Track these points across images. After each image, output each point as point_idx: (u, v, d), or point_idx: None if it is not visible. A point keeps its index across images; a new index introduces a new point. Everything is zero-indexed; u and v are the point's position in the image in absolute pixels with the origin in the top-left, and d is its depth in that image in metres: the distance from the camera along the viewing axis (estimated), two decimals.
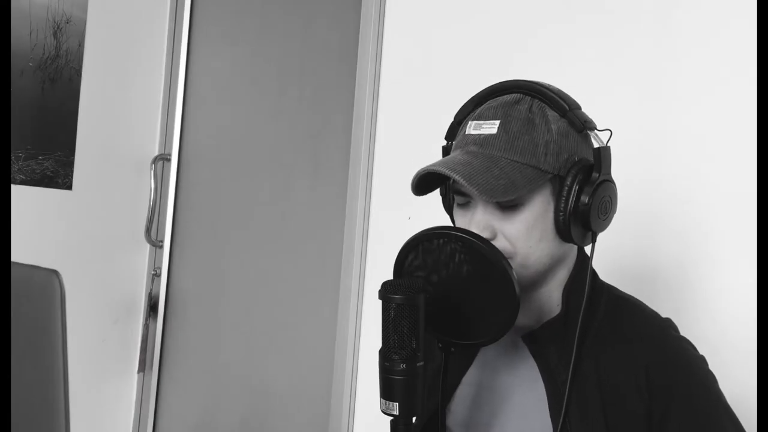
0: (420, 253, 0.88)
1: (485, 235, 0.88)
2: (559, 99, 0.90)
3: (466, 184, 0.84)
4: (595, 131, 0.92)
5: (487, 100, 0.95)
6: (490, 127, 0.90)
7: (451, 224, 0.99)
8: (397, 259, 0.90)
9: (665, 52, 1.39)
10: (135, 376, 2.50)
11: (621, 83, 1.45)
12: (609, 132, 0.92)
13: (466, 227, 0.91)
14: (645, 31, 1.42)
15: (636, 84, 1.43)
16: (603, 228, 0.92)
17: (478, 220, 0.90)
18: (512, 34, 1.66)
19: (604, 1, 1.50)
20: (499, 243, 0.89)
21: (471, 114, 0.95)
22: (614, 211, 0.93)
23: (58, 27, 2.24)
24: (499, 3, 1.70)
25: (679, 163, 1.36)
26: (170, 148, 2.44)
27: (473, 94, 0.99)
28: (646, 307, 0.96)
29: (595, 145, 0.91)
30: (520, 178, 0.86)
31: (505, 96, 0.93)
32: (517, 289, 0.83)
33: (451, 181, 0.97)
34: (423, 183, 0.92)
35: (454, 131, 0.99)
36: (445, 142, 1.01)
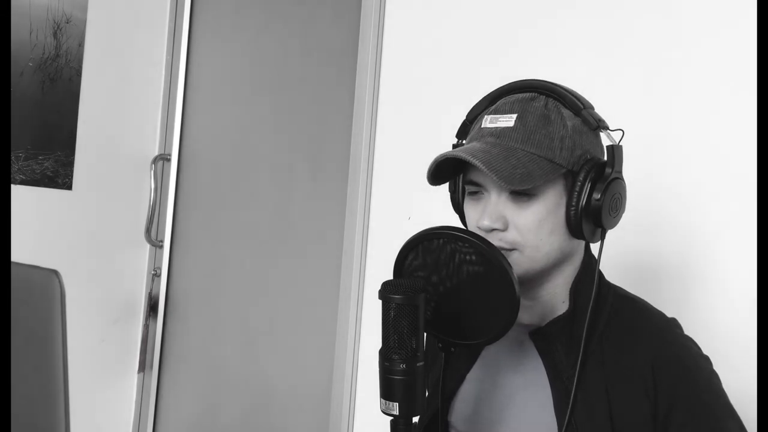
0: (420, 253, 0.88)
1: (497, 225, 0.89)
2: (573, 98, 0.92)
3: (485, 170, 0.84)
4: (608, 131, 0.92)
5: (500, 99, 0.96)
6: (507, 120, 0.91)
7: (453, 222, 0.99)
8: (397, 259, 0.90)
9: (667, 51, 1.39)
10: (135, 376, 2.51)
11: (623, 82, 1.45)
12: (621, 132, 0.93)
13: (478, 218, 0.91)
14: (648, 30, 1.42)
15: (638, 83, 1.43)
16: (613, 225, 0.93)
17: (490, 210, 0.90)
18: (513, 34, 1.66)
19: (607, 2, 1.50)
20: (510, 234, 0.90)
21: (485, 111, 0.96)
22: (624, 210, 0.94)
23: (58, 27, 2.24)
24: (499, 3, 1.70)
25: (680, 162, 1.36)
26: (170, 148, 2.44)
27: (473, 94, 0.99)
28: (652, 307, 0.97)
29: (607, 143, 0.92)
30: (536, 169, 0.87)
31: (519, 94, 0.94)
32: (517, 290, 0.83)
33: (461, 177, 0.97)
34: (438, 172, 0.93)
35: (466, 129, 1.00)
36: (455, 140, 1.01)
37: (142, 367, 2.47)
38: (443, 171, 0.93)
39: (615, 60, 1.47)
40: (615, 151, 0.90)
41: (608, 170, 0.90)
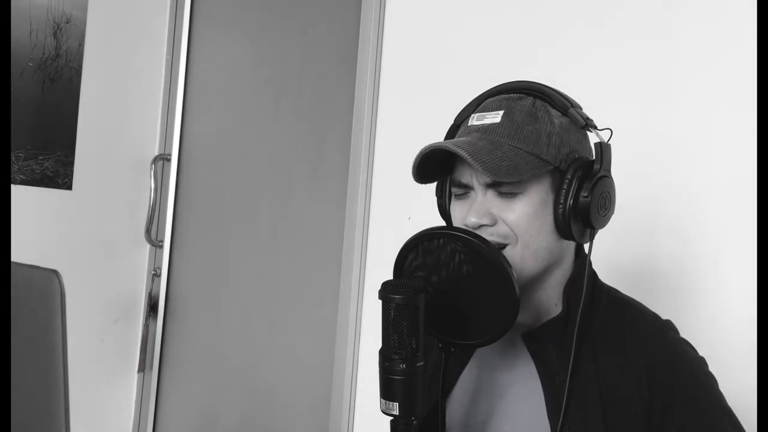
0: (420, 253, 0.88)
1: (484, 221, 0.88)
2: (561, 97, 0.91)
3: (470, 160, 0.83)
4: (596, 130, 0.92)
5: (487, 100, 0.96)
6: (494, 117, 0.90)
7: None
8: (397, 259, 0.90)
9: (665, 50, 1.39)
10: (135, 376, 2.50)
11: (620, 82, 1.45)
12: (609, 131, 0.92)
13: (465, 215, 0.91)
14: (645, 30, 1.42)
15: (635, 83, 1.43)
16: (602, 225, 0.92)
17: (477, 207, 0.89)
18: (511, 34, 1.66)
19: (606, 8, 1.50)
20: (501, 228, 0.89)
21: (473, 112, 0.95)
22: (613, 210, 0.93)
23: (58, 27, 2.24)
24: (498, 3, 1.70)
25: (679, 162, 1.36)
26: (170, 148, 2.44)
27: (473, 94, 0.99)
28: (647, 309, 0.96)
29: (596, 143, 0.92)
30: (523, 163, 0.86)
31: (506, 94, 0.94)
32: (517, 290, 0.83)
33: (448, 180, 0.97)
34: (425, 169, 0.92)
35: (453, 133, 0.99)
36: None
37: (142, 367, 2.47)
38: (429, 169, 0.92)
39: (613, 60, 1.46)
40: (603, 148, 0.89)
41: (596, 167, 0.89)
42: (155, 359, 2.44)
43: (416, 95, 1.86)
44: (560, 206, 0.88)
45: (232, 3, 2.43)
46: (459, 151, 0.84)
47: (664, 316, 0.95)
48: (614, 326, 0.92)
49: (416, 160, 0.90)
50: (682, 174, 1.36)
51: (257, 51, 2.35)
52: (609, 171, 0.91)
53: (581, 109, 0.93)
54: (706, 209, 1.32)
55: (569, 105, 0.91)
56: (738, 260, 1.26)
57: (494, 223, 0.89)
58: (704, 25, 1.34)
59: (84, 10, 2.29)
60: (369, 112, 1.93)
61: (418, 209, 1.78)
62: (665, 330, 0.93)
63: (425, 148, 0.89)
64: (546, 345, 0.92)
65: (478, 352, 1.00)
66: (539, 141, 0.88)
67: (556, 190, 0.89)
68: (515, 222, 0.88)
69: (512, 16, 1.67)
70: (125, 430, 2.51)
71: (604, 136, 0.92)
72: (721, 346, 1.19)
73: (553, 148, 0.88)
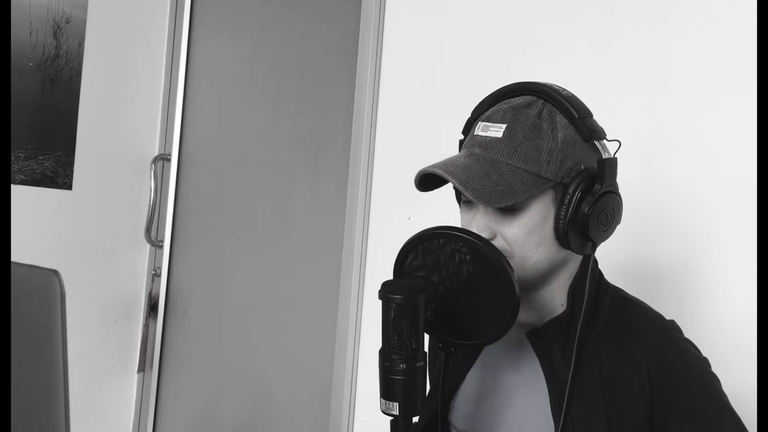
0: (420, 253, 0.88)
1: (484, 235, 0.89)
2: (569, 106, 0.90)
3: (462, 189, 0.85)
4: (604, 141, 0.91)
5: (501, 100, 0.95)
6: (497, 131, 0.90)
7: (453, 223, 0.99)
8: (397, 259, 0.90)
9: (670, 53, 1.39)
10: (135, 376, 2.51)
11: (620, 81, 1.45)
12: (617, 143, 0.92)
13: (467, 227, 0.91)
14: (644, 29, 1.42)
15: (635, 82, 1.43)
16: (603, 239, 0.92)
17: (478, 221, 0.91)
18: (513, 35, 1.66)
19: (607, 5, 1.50)
20: (498, 243, 0.89)
21: (484, 113, 0.95)
22: (617, 223, 0.93)
23: (58, 27, 2.24)
24: (499, 4, 1.70)
25: (682, 163, 1.36)
26: (170, 148, 2.44)
27: (473, 94, 0.99)
28: (651, 308, 0.96)
29: (604, 155, 0.90)
30: (519, 184, 0.87)
31: (518, 98, 0.93)
32: (517, 290, 0.83)
33: None
34: (427, 180, 0.93)
35: (469, 127, 0.99)
36: (462, 137, 1.00)
37: (142, 367, 2.47)
38: (433, 179, 0.93)
39: (617, 61, 1.46)
40: (606, 164, 0.89)
41: (597, 186, 0.88)
42: (155, 359, 2.44)
43: (416, 95, 1.86)
44: (560, 221, 0.89)
45: (232, 3, 2.43)
46: (452, 179, 0.86)
47: (667, 316, 0.96)
48: (618, 325, 0.93)
49: (416, 178, 0.92)
50: (682, 174, 1.36)
51: (257, 51, 2.35)
52: (613, 185, 0.90)
53: (590, 117, 0.92)
54: (708, 209, 1.32)
55: (575, 115, 0.89)
56: (740, 260, 1.26)
57: (493, 237, 0.90)
58: (704, 24, 1.35)
59: (84, 10, 2.29)
60: (369, 112, 1.93)
61: (418, 209, 1.78)
62: (669, 330, 0.93)
63: (422, 171, 0.90)
64: (551, 343, 0.93)
65: (485, 351, 1.01)
66: (539, 159, 0.88)
67: (558, 204, 0.89)
68: (512, 238, 0.89)
69: (512, 16, 1.67)
70: (125, 430, 2.51)
71: (612, 147, 0.91)
72: (724, 346, 1.19)
73: (554, 164, 0.88)
